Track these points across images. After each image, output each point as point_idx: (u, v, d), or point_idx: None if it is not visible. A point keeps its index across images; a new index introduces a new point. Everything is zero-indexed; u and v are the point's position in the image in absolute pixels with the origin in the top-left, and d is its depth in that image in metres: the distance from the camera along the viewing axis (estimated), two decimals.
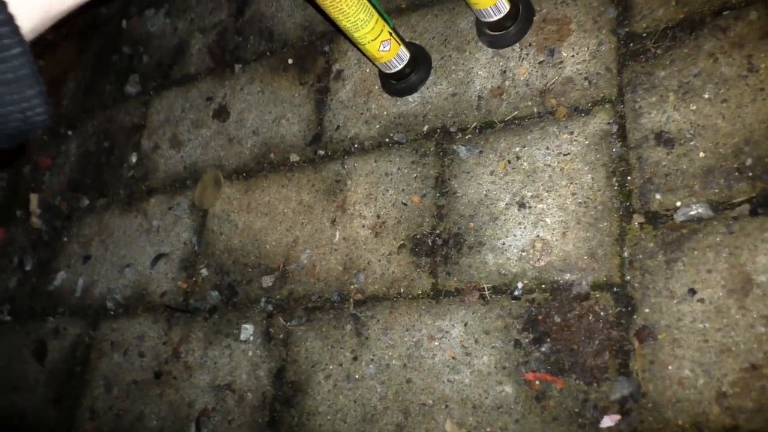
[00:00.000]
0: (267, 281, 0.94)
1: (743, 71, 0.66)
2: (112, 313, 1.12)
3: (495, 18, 0.80)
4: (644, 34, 0.75)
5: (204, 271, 1.03)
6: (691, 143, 0.67)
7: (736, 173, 0.64)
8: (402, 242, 0.84)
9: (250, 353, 0.92)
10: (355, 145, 0.95)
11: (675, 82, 0.70)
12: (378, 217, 0.87)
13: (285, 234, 0.96)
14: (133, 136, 1.29)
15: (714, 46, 0.69)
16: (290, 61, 1.09)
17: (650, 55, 0.73)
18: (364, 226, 0.88)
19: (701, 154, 0.66)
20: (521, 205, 0.76)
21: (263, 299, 0.94)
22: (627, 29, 0.76)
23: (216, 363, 0.95)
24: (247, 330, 0.94)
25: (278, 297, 0.93)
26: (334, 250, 0.89)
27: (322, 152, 0.98)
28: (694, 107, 0.68)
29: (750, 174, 0.63)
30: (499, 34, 0.84)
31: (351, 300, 0.85)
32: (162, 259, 1.10)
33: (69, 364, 1.16)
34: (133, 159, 1.26)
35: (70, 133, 1.43)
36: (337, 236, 0.90)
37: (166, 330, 1.03)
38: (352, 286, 0.86)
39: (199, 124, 1.17)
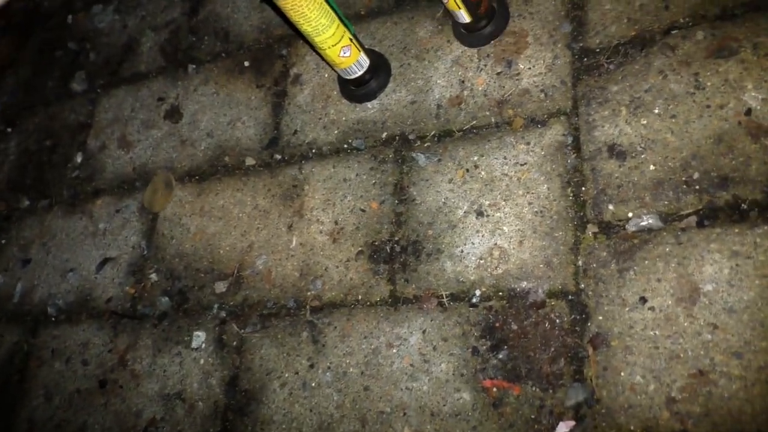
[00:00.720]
0: (220, 287, 0.92)
1: (691, 88, 0.69)
2: (53, 319, 1.08)
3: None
4: (598, 50, 0.77)
5: (153, 276, 1.00)
6: (642, 156, 0.69)
7: (684, 186, 0.66)
8: (360, 249, 0.84)
9: (202, 361, 0.90)
10: (313, 150, 0.94)
11: (627, 96, 0.73)
12: (336, 223, 0.87)
13: (240, 239, 0.94)
14: (78, 135, 1.24)
15: (663, 64, 0.72)
16: (246, 63, 1.08)
17: (603, 70, 0.76)
18: (321, 232, 0.87)
19: (651, 167, 0.69)
20: (479, 214, 0.77)
21: (216, 305, 0.92)
22: (581, 44, 0.78)
23: (165, 371, 0.92)
24: (199, 337, 0.92)
25: (232, 303, 0.91)
26: (291, 256, 0.88)
27: (278, 156, 0.96)
28: (645, 122, 0.71)
29: (697, 187, 0.66)
30: (472, 35, 0.85)
31: (307, 307, 0.85)
32: (108, 264, 1.06)
33: (6, 373, 1.10)
34: (78, 159, 1.21)
35: (9, 130, 1.36)
36: (294, 242, 0.89)
37: (112, 337, 1.00)
38: (308, 293, 0.85)
39: (150, 124, 1.14)
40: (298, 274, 0.87)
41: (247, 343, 0.88)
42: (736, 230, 0.62)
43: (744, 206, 0.63)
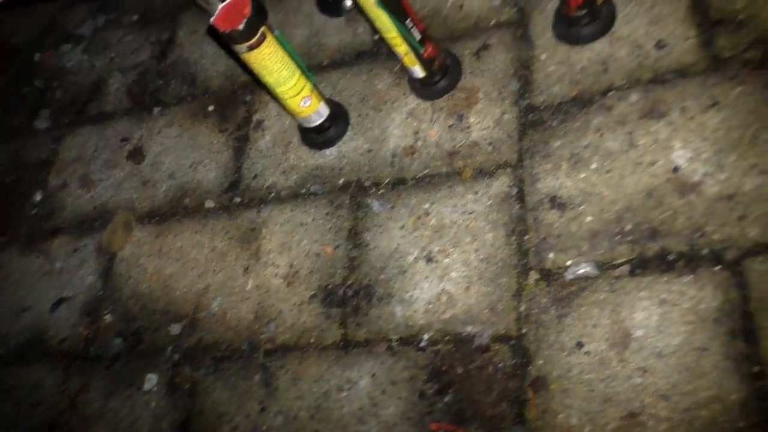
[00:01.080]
0: (175, 329, 0.93)
1: (625, 146, 0.74)
2: (4, 359, 1.06)
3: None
4: (542, 107, 0.82)
5: (108, 317, 1.00)
6: (581, 208, 0.74)
7: (618, 237, 0.70)
8: (314, 292, 0.85)
9: (153, 404, 0.90)
10: (272, 194, 0.96)
11: (567, 152, 0.77)
12: (291, 266, 0.89)
13: (196, 280, 0.95)
14: (39, 173, 1.25)
15: (601, 122, 0.77)
16: (211, 108, 1.10)
17: (547, 126, 0.80)
18: (277, 275, 0.89)
19: (589, 218, 0.73)
20: (429, 260, 0.80)
21: (170, 347, 0.92)
22: (527, 101, 0.83)
23: (116, 414, 0.91)
24: (152, 379, 0.91)
25: (186, 345, 0.91)
26: (246, 299, 0.90)
27: (238, 200, 0.99)
28: (583, 176, 0.75)
29: (630, 238, 0.70)
30: (427, 89, 0.89)
31: (261, 349, 0.86)
32: (63, 304, 1.05)
33: None
34: (38, 197, 1.21)
35: None
36: (250, 284, 0.91)
37: (64, 379, 0.99)
38: (262, 336, 0.86)
39: (113, 164, 1.15)
40: (252, 316, 0.88)
41: (200, 386, 0.88)
42: (665, 279, 0.66)
43: (671, 257, 0.67)
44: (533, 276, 0.73)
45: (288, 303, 0.86)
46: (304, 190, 0.94)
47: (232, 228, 0.96)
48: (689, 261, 0.66)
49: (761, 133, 0.68)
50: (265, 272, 0.90)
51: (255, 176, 0.99)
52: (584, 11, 0.80)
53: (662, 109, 0.74)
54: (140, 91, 1.24)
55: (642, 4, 0.81)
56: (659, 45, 0.78)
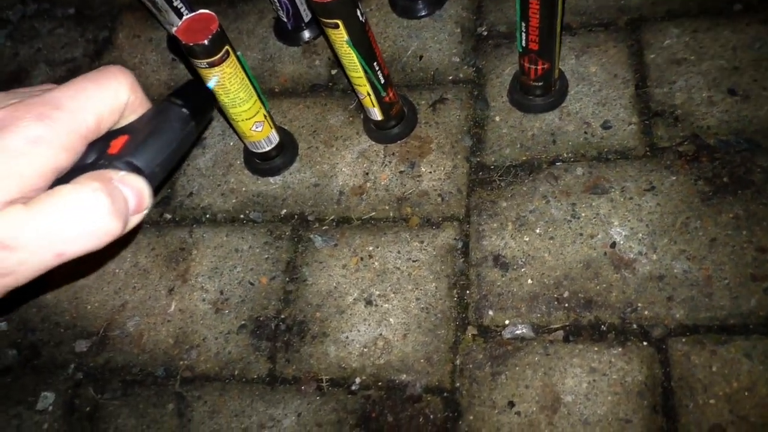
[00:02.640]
0: (81, 345, 0.85)
1: (568, 216, 0.78)
2: None
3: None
4: (492, 167, 0.85)
5: (3, 325, 0.91)
6: (522, 270, 0.76)
7: (556, 302, 0.73)
8: (243, 322, 0.82)
9: (46, 425, 0.82)
10: (207, 215, 0.93)
11: (514, 213, 0.80)
12: (221, 292, 0.85)
13: (112, 296, 0.89)
14: None
15: (547, 190, 0.81)
16: None
17: (495, 186, 0.83)
18: (204, 300, 0.85)
19: (529, 281, 0.75)
20: (368, 302, 0.79)
21: (73, 365, 0.85)
22: (479, 159, 0.86)
23: None
24: (47, 398, 0.83)
25: (92, 365, 0.85)
26: (167, 321, 0.85)
27: (169, 216, 0.94)
28: (527, 239, 0.78)
29: (566, 305, 0.73)
30: (381, 132, 0.90)
31: (178, 376, 0.81)
32: None
33: None
34: None
35: None
36: (173, 307, 0.86)
37: None
38: (181, 362, 0.82)
39: None
40: (172, 341, 0.83)
41: (103, 410, 0.81)
42: (596, 348, 0.70)
43: (604, 328, 0.71)
44: (471, 331, 0.74)
45: (214, 331, 0.82)
46: (242, 216, 0.91)
47: (160, 245, 0.91)
48: (619, 333, 0.70)
49: (690, 221, 0.74)
50: (191, 296, 0.86)
51: (190, 194, 0.95)
52: (540, 83, 0.84)
53: (604, 185, 0.79)
54: None
55: (591, 86, 0.87)
56: (605, 125, 0.83)
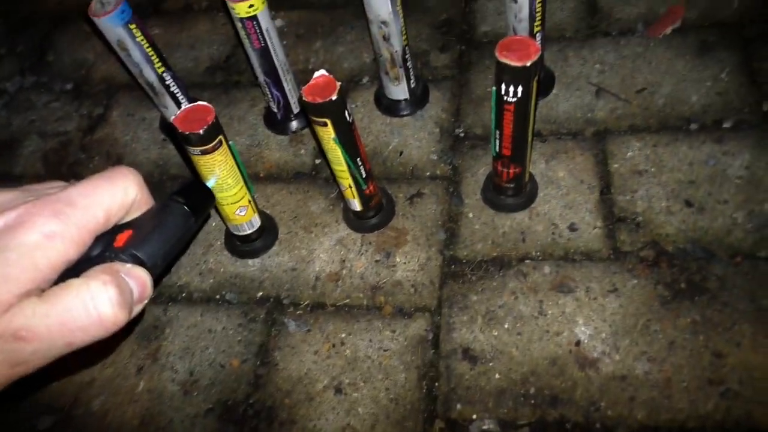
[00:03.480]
0: (45, 422, 0.84)
1: (535, 312, 0.81)
2: None
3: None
4: (464, 261, 0.88)
5: None
6: (490, 364, 0.78)
7: (522, 398, 0.75)
8: (211, 406, 0.82)
9: None
10: (183, 294, 0.94)
11: (483, 307, 0.83)
12: (191, 373, 0.85)
13: (81, 372, 0.88)
14: None
15: (516, 286, 0.84)
16: None
17: (467, 280, 0.86)
18: (173, 381, 0.85)
19: (497, 376, 0.77)
20: (338, 390, 0.80)
21: None
22: (452, 253, 0.90)
23: None
24: None
25: None
26: (134, 401, 0.84)
27: None
28: (496, 333, 0.80)
29: (532, 401, 0.74)
30: (359, 222, 0.93)
31: None
32: None
33: None
34: None
35: None
36: (141, 386, 0.85)
37: None
38: None
39: None
40: (137, 422, 0.82)
41: None
42: None
43: (568, 426, 0.72)
44: (439, 424, 0.75)
45: (181, 413, 0.82)
46: (218, 296, 0.92)
47: (133, 321, 0.91)
48: None
49: (651, 324, 0.77)
50: (161, 375, 0.85)
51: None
52: (512, 185, 0.89)
53: (570, 285, 0.82)
54: (58, 159, 1.20)
55: (559, 189, 0.92)
56: (571, 227, 0.88)
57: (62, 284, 0.37)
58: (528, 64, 0.66)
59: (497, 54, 0.67)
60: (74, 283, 0.37)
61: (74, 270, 0.38)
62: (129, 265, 0.40)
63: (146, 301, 0.41)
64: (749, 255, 0.81)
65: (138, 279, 0.40)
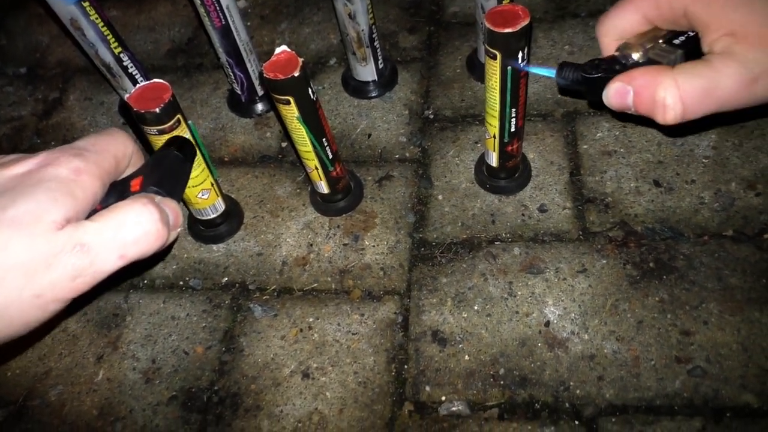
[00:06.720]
0: None
1: (505, 294, 0.80)
2: None
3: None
4: (434, 243, 0.87)
5: None
6: (460, 346, 0.77)
7: (491, 379, 0.74)
8: (174, 393, 0.79)
9: None
10: (145, 281, 0.91)
11: (453, 290, 0.82)
12: (153, 361, 0.82)
13: (36, 363, 0.84)
14: None
15: (485, 268, 0.83)
16: None
17: (436, 262, 0.85)
18: (135, 369, 0.82)
19: (466, 357, 0.76)
20: (305, 375, 0.78)
21: None
22: (421, 235, 0.88)
23: None
24: None
25: None
26: (93, 391, 0.81)
27: None
28: (466, 315, 0.79)
29: (502, 382, 0.74)
30: (327, 205, 0.91)
31: None
32: None
33: None
34: None
35: None
36: (101, 376, 0.82)
37: None
38: None
39: None
40: (96, 412, 0.79)
41: None
42: (530, 427, 0.70)
43: (537, 406, 0.71)
44: (408, 407, 0.74)
45: (142, 402, 0.79)
46: (182, 283, 0.90)
47: (92, 310, 0.88)
48: (552, 412, 0.71)
49: (620, 303, 0.77)
50: (121, 364, 0.82)
51: None
52: (518, 157, 0.87)
53: (540, 266, 0.82)
54: (11, 146, 1.15)
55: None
56: (541, 209, 0.87)
57: (108, 208, 0.42)
58: (528, 21, 0.64)
59: (508, 29, 0.64)
60: (119, 205, 0.42)
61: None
62: (160, 196, 0.45)
63: (179, 229, 0.47)
64: (716, 234, 0.81)
65: (171, 207, 0.46)
